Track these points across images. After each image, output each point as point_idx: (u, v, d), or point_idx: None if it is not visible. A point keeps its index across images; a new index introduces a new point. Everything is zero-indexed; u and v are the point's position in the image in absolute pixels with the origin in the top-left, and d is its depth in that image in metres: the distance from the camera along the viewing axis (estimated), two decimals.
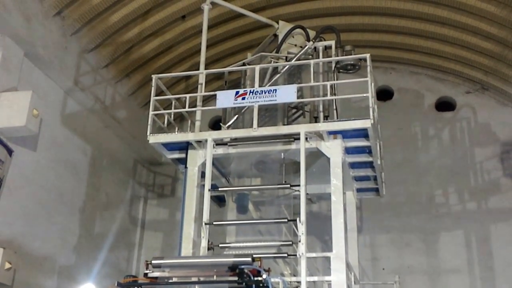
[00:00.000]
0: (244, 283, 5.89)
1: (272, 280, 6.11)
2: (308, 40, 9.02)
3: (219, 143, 8.15)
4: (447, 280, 11.25)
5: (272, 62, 9.08)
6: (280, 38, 9.47)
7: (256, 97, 7.85)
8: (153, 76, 8.52)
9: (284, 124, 8.59)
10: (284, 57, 9.06)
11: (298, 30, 9.34)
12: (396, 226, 11.84)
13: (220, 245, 7.75)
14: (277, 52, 9.20)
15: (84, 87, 10.68)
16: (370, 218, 11.85)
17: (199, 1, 9.86)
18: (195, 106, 9.10)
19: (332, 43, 9.05)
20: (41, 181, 9.63)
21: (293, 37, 9.42)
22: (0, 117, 8.44)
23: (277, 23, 10.01)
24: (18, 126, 8.49)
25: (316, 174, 8.30)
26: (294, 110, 9.25)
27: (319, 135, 7.76)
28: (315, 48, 9.00)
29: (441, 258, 11.43)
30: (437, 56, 12.37)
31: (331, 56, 8.92)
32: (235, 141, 8.17)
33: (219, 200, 9.70)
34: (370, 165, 8.56)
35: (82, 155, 11.06)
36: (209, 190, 7.64)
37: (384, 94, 13.05)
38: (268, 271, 6.11)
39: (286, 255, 7.55)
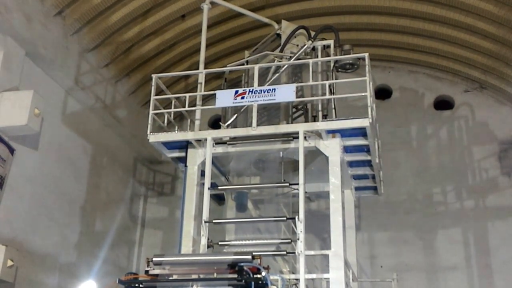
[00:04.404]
0: (243, 281, 5.94)
1: (271, 277, 6.16)
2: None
3: (218, 142, 8.18)
4: (444, 277, 11.33)
5: (276, 61, 9.07)
6: (283, 37, 9.44)
7: (255, 97, 7.87)
8: (153, 76, 8.54)
9: (287, 123, 8.60)
10: (288, 57, 9.02)
11: (300, 30, 9.32)
12: (394, 224, 11.90)
13: (220, 243, 7.78)
14: (281, 51, 9.20)
15: (84, 86, 10.74)
16: (368, 216, 11.92)
17: (198, 1, 9.88)
18: (194, 105, 9.13)
19: (331, 42, 9.04)
20: (42, 180, 9.70)
21: (295, 37, 9.40)
22: (1, 116, 8.52)
23: (276, 22, 10.03)
24: (19, 125, 8.57)
25: (315, 173, 8.33)
26: (294, 110, 9.28)
27: (318, 134, 7.79)
28: (313, 47, 9.00)
29: (439, 256, 11.50)
30: (436, 55, 12.42)
31: (330, 55, 8.92)
32: (234, 140, 8.20)
33: (218, 199, 9.76)
34: (368, 163, 8.61)
35: (83, 153, 11.12)
36: (208, 188, 7.67)
37: (382, 93, 13.09)
38: (267, 268, 6.15)
39: (285, 253, 7.64)
